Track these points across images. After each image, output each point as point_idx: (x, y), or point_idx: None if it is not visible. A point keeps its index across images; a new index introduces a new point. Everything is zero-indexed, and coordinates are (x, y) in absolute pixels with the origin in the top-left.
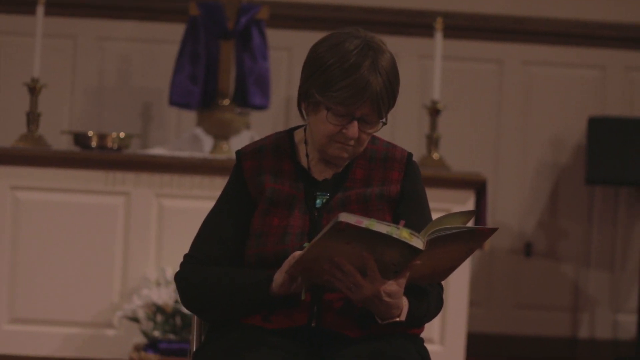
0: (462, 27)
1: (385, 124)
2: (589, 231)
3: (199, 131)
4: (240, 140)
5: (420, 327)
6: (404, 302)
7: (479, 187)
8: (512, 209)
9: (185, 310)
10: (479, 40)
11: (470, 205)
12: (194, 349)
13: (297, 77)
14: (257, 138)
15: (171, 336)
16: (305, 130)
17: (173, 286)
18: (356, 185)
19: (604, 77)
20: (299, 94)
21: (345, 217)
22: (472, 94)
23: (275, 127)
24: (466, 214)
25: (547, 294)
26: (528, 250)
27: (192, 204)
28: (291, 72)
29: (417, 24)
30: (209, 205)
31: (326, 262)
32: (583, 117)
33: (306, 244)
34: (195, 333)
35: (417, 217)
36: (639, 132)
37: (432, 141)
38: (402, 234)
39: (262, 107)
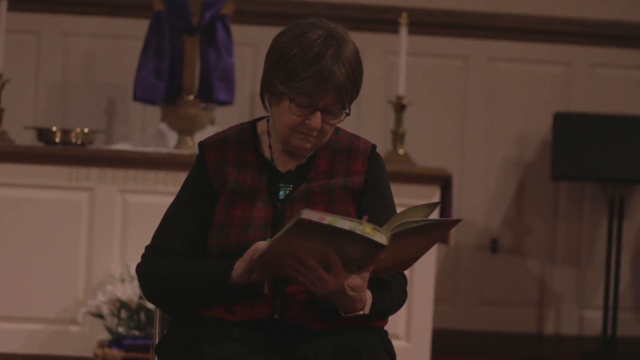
0: (427, 23)
1: (348, 114)
2: (554, 227)
3: (164, 127)
4: (205, 136)
5: (384, 320)
6: (368, 295)
7: (444, 183)
8: (478, 205)
9: (149, 306)
10: (444, 36)
11: (435, 200)
12: (156, 343)
13: (261, 72)
14: None
15: (135, 332)
16: (268, 121)
17: (137, 282)
18: (319, 176)
19: (569, 73)
20: (262, 85)
21: (308, 214)
22: (438, 90)
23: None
24: (429, 206)
25: (512, 290)
26: (494, 246)
27: (156, 200)
28: (256, 68)
29: (381, 20)
30: None
31: (289, 257)
32: (548, 113)
33: (268, 240)
34: (157, 327)
35: (381, 210)
36: (604, 128)
37: (398, 137)
38: (365, 229)
39: (227, 102)
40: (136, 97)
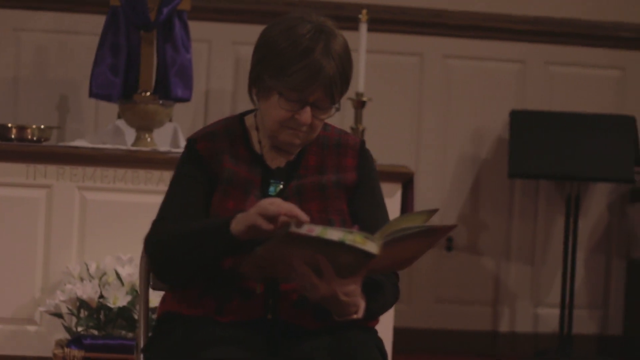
0: (383, 20)
1: (338, 109)
2: (509, 225)
3: (121, 123)
4: (164, 132)
5: (376, 319)
6: (361, 299)
7: (406, 181)
8: (433, 202)
9: (110, 305)
10: (400, 33)
11: (397, 198)
12: (142, 345)
13: (216, 69)
14: (180, 131)
15: (94, 332)
16: (255, 115)
17: (97, 281)
18: (309, 172)
19: (524, 71)
20: (250, 79)
21: (295, 227)
22: (393, 86)
23: (195, 119)
24: (427, 213)
25: (468, 288)
26: (449, 244)
27: (115, 197)
28: (210, 64)
29: (338, 17)
30: (133, 198)
31: (280, 263)
32: (504, 110)
33: (257, 248)
34: (142, 327)
35: (372, 206)
36: (560, 125)
37: (358, 133)
38: (356, 239)
39: (185, 99)
40: (92, 94)
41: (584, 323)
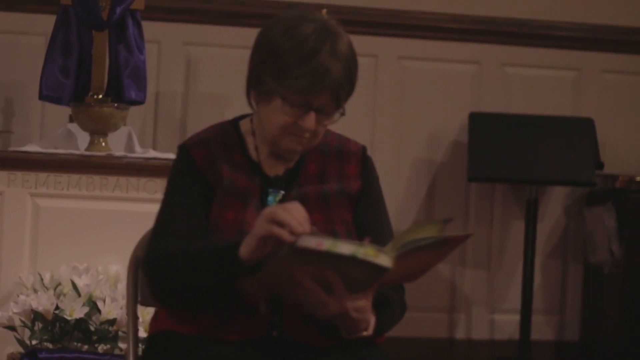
0: (337, 20)
1: (343, 114)
2: (465, 230)
3: (73, 127)
4: (118, 137)
5: (383, 336)
6: (371, 315)
7: None
8: (388, 206)
9: (67, 317)
10: (354, 33)
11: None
12: None
13: (166, 71)
14: (134, 134)
15: (49, 345)
16: (252, 121)
17: (52, 292)
18: (310, 180)
19: (480, 72)
20: (248, 82)
21: (305, 241)
22: None
23: (145, 122)
24: (441, 223)
25: (423, 294)
26: None
27: (69, 204)
28: (160, 65)
29: None
30: (88, 205)
31: (286, 280)
32: (459, 112)
33: (263, 264)
34: (131, 344)
35: (376, 214)
36: (519, 128)
37: None
38: (368, 252)
39: (139, 101)
40: (42, 96)
41: (542, 329)
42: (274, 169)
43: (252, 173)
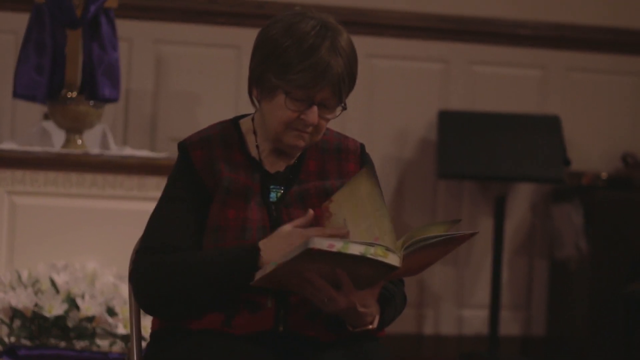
0: None
1: (345, 109)
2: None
3: (48, 125)
4: (94, 134)
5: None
6: (376, 309)
7: None
8: None
9: (45, 314)
10: None
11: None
12: None
13: (137, 69)
14: (109, 132)
15: (27, 342)
16: (253, 119)
17: (31, 289)
18: (311, 177)
19: (448, 70)
20: (250, 80)
21: (317, 243)
22: None
23: (116, 120)
24: (449, 223)
25: None
26: None
27: (46, 202)
28: (131, 64)
29: (257, 15)
30: (65, 202)
31: (295, 277)
32: (428, 110)
33: (273, 264)
34: (134, 341)
35: None
36: (487, 126)
37: None
38: (378, 251)
39: (112, 99)
40: (16, 94)
41: (509, 324)
42: (275, 166)
43: (251, 171)
